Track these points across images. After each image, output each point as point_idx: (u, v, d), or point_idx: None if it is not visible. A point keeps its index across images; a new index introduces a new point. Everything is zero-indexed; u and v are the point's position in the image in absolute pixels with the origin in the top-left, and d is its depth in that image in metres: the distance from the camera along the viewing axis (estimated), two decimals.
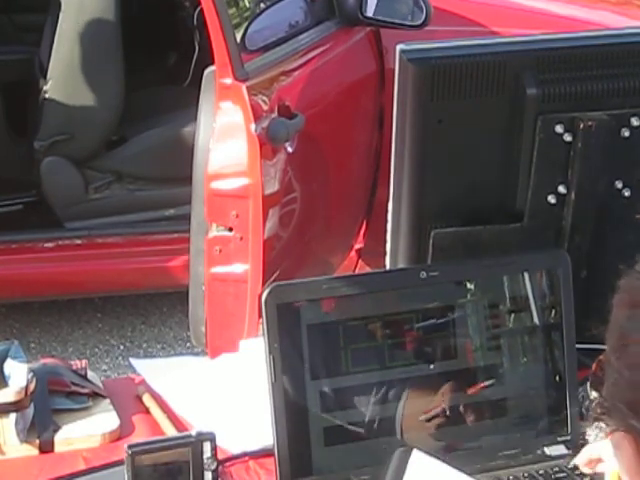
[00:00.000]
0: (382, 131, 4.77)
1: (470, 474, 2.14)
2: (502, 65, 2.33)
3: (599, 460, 2.08)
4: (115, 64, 5.29)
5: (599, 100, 2.32)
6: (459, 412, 2.29)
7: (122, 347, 5.40)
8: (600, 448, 2.06)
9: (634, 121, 2.32)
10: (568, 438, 2.29)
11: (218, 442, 2.35)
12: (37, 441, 2.52)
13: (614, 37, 2.63)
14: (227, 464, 2.41)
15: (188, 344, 4.41)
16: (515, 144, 2.33)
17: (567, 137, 2.31)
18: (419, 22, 4.73)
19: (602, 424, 1.63)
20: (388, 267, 2.39)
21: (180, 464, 2.29)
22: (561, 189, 2.35)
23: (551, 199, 2.36)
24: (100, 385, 2.73)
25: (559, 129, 2.30)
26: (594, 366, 2.25)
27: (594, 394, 2.23)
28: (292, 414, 2.19)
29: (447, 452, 2.28)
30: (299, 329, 2.20)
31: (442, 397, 2.28)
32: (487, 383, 2.31)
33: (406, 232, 2.35)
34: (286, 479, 2.18)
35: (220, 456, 2.37)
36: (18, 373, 2.57)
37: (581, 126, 2.30)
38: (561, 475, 2.22)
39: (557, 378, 2.32)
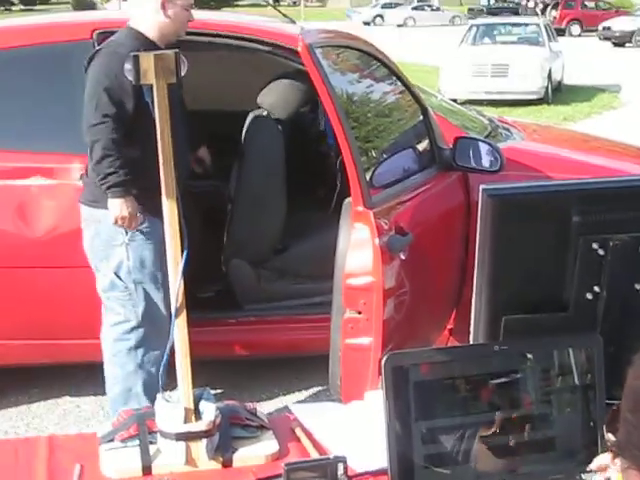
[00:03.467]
0: (468, 245, 4.76)
1: None
2: (555, 200, 2.34)
3: (607, 467, 2.05)
4: (281, 195, 5.35)
5: (623, 226, 2.31)
6: (520, 446, 2.27)
7: (281, 394, 5.41)
8: (607, 459, 2.05)
9: None
10: None
11: (349, 463, 2.36)
12: (221, 459, 2.56)
13: (635, 181, 2.62)
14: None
15: (327, 393, 4.41)
16: (563, 255, 2.32)
17: (601, 251, 2.29)
18: (496, 168, 4.74)
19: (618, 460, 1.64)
20: (471, 342, 2.39)
21: (321, 479, 2.29)
22: (596, 288, 2.33)
23: (589, 295, 2.34)
24: (266, 420, 2.75)
25: (595, 246, 2.29)
26: (609, 414, 2.22)
27: (609, 435, 2.20)
28: (401, 444, 2.19)
29: (510, 475, 2.26)
30: (407, 384, 2.20)
31: (508, 435, 2.27)
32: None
33: (484, 317, 2.35)
34: None
35: (350, 473, 2.37)
36: (209, 410, 2.60)
37: (611, 244, 2.28)
38: None
39: (591, 424, 2.29)
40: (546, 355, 2.32)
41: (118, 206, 4.18)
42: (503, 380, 2.28)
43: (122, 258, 4.27)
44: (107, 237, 4.28)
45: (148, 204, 4.09)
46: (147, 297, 4.36)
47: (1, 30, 5.76)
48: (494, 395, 2.27)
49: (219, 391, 5.11)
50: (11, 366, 5.34)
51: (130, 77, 2.75)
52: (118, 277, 4.30)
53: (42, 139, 5.07)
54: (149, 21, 4.32)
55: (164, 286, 4.14)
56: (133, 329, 4.37)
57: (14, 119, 5.17)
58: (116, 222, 4.21)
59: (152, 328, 4.36)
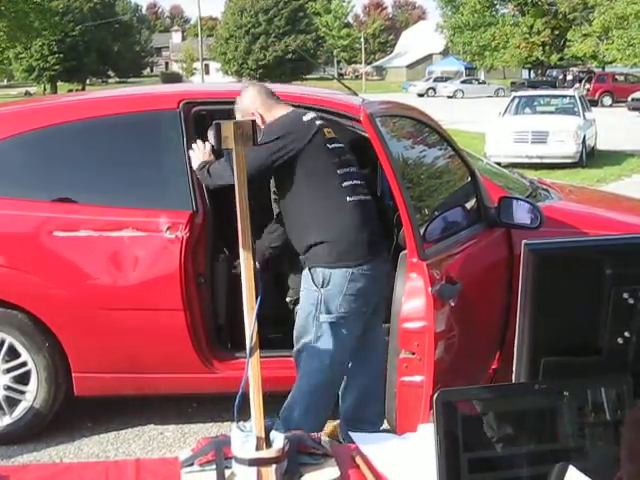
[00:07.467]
0: (510, 293, 4.75)
1: None
2: (589, 254, 2.32)
3: None
4: None
5: None
6: None
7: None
8: None
9: None
10: None
11: None
12: None
13: None
14: None
15: (384, 426, 4.39)
16: (597, 304, 2.30)
17: (630, 300, 2.27)
18: (536, 225, 4.73)
19: None
20: (514, 381, 2.38)
21: None
22: (626, 334, 2.31)
23: (620, 340, 2.32)
24: (329, 449, 2.74)
25: (625, 295, 2.27)
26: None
27: None
28: (450, 473, 2.18)
29: None
30: (456, 418, 2.19)
31: (547, 466, 2.24)
32: None
33: (525, 359, 2.33)
34: None
35: None
36: (278, 439, 2.60)
37: (639, 294, 2.27)
38: None
39: None
40: (581, 394, 2.30)
41: None
42: (542, 415, 2.27)
43: None
44: None
45: None
46: None
47: (100, 100, 5.89)
48: (533, 428, 2.26)
49: None
50: (104, 396, 5.41)
51: (212, 142, 2.80)
52: None
53: (134, 196, 5.16)
54: None
55: None
56: None
57: (110, 178, 5.26)
58: None
59: None
